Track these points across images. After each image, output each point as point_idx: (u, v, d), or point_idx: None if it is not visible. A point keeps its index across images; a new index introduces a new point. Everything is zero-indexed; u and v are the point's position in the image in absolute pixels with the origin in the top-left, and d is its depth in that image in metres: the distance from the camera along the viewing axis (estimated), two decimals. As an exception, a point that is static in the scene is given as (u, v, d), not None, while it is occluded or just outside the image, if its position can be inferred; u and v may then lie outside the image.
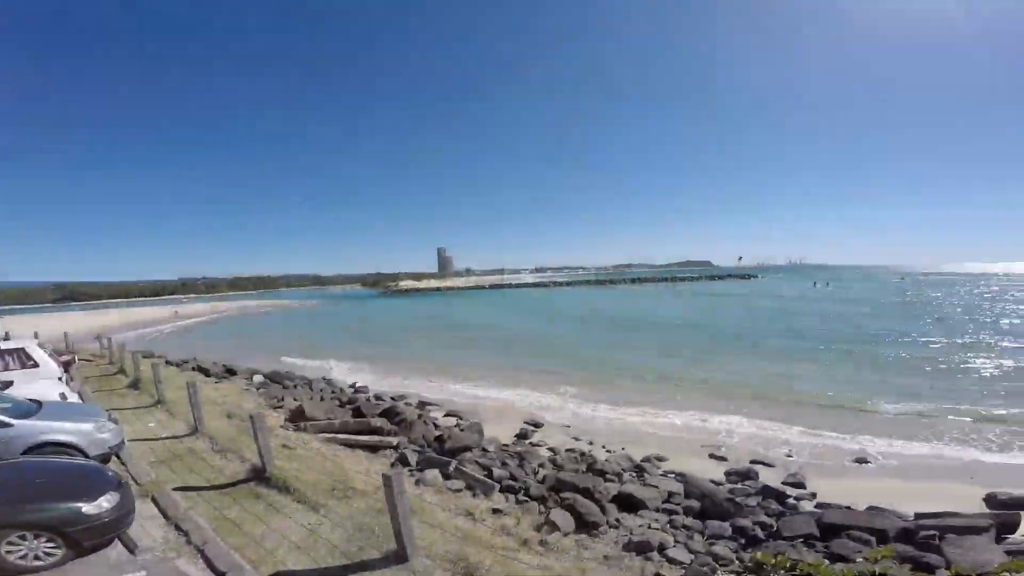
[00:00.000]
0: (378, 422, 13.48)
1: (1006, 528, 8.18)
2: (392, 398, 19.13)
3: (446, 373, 24.13)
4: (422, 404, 18.31)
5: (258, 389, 18.79)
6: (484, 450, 12.56)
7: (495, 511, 7.95)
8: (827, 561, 6.85)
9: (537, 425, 15.69)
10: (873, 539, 7.94)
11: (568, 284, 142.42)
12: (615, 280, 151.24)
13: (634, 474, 11.17)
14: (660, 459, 12.47)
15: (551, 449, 13.24)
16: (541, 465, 11.46)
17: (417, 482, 9.31)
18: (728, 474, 11.46)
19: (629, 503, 9.06)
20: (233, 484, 7.91)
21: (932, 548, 7.48)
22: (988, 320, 38.23)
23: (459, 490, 9.24)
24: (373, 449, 11.78)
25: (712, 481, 10.59)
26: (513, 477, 10.34)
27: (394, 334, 44.38)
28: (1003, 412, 15.42)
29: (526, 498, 9.07)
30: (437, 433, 13.72)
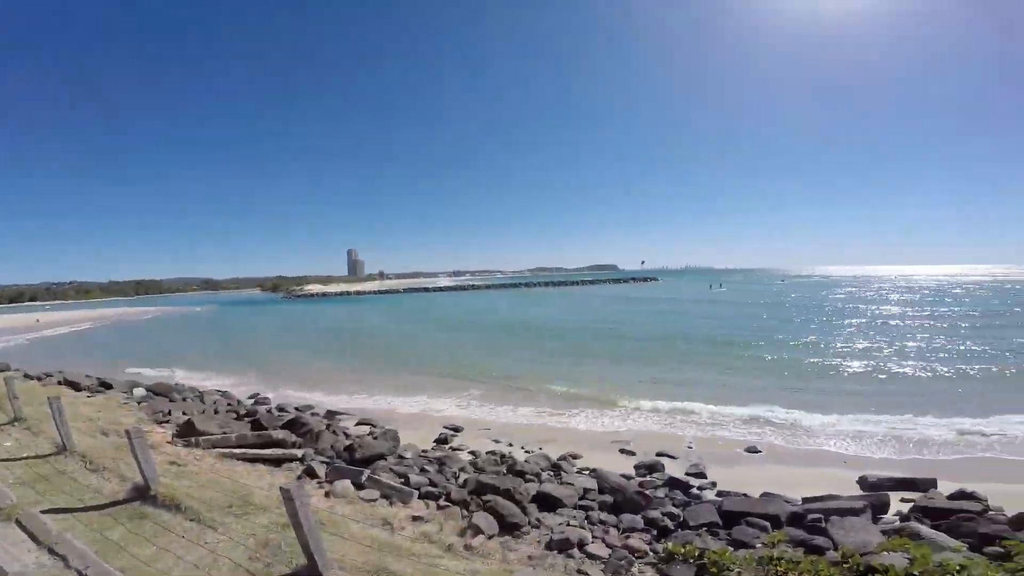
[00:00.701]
0: (280, 434, 12.60)
1: (879, 509, 9.12)
2: (297, 409, 18.00)
3: (357, 381, 23.20)
4: (331, 414, 17.42)
5: (139, 403, 16.87)
6: (400, 457, 12.15)
7: (415, 518, 7.67)
8: (731, 548, 7.29)
9: (457, 429, 15.49)
10: (768, 524, 8.48)
11: (487, 287, 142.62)
12: (531, 284, 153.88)
13: (552, 473, 11.33)
14: (575, 457, 12.76)
15: (472, 452, 13.11)
16: (462, 469, 11.27)
17: (327, 494, 8.78)
18: (637, 467, 11.94)
19: (548, 502, 9.14)
20: (113, 504, 6.97)
21: (820, 531, 8.12)
22: (842, 317, 43.29)
23: (374, 500, 8.82)
24: (276, 463, 10.94)
25: (623, 475, 10.96)
26: (433, 483, 10.06)
27: (294, 341, 41.90)
28: (860, 390, 17.55)
29: (448, 503, 8.84)
30: (347, 443, 13.08)
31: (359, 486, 9.52)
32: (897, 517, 8.96)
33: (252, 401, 19.72)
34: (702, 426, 15.39)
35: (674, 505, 9.39)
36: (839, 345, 29.97)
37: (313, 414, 17.27)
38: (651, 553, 7.00)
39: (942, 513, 8.78)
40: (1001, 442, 13.14)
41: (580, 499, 9.52)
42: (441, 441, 14.35)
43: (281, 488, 5.14)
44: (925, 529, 7.99)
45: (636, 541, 7.42)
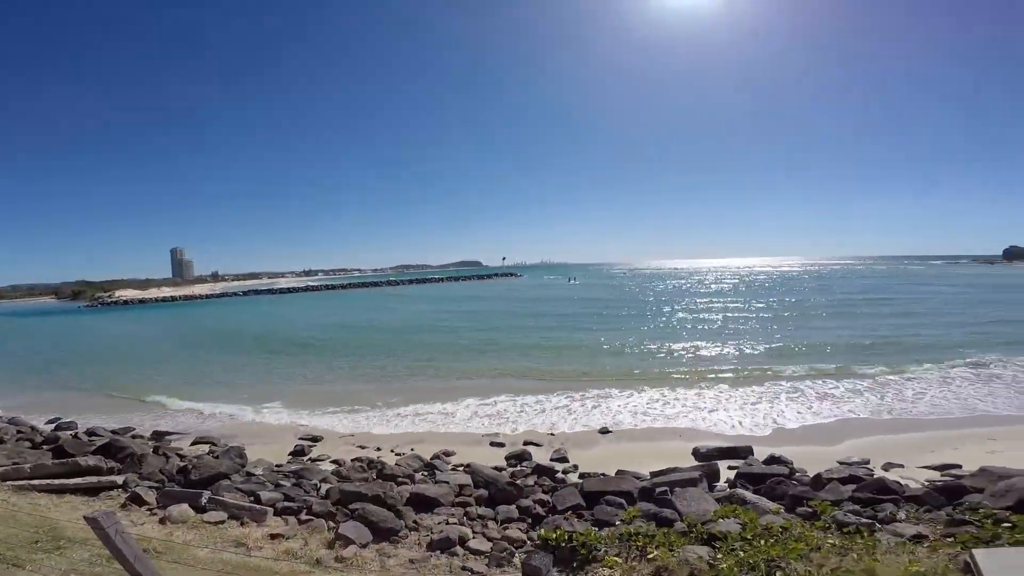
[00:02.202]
0: (92, 460, 10.68)
1: (712, 477, 10.38)
2: (114, 431, 15.35)
3: (188, 395, 20.50)
4: (158, 435, 15.24)
5: None
6: (249, 474, 10.99)
7: (274, 536, 6.98)
8: (595, 528, 7.79)
9: (316, 439, 14.44)
10: (624, 501, 9.17)
11: (343, 287, 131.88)
12: (394, 282, 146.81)
13: (426, 473, 11.17)
14: (448, 454, 12.73)
15: (336, 462, 12.32)
16: (324, 480, 10.53)
17: (163, 520, 7.62)
18: (508, 458, 12.29)
19: (425, 503, 8.96)
20: None
21: (667, 503, 8.99)
22: (683, 304, 49.41)
23: (221, 522, 7.86)
24: (92, 492, 9.22)
25: (495, 467, 11.20)
26: (290, 497, 9.25)
27: (105, 354, 35.69)
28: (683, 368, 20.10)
29: (311, 517, 8.19)
30: (181, 464, 11.55)
31: (200, 509, 8.42)
32: (727, 484, 10.32)
33: (52, 427, 16.43)
34: (560, 410, 16.51)
35: (544, 492, 9.79)
36: (663, 330, 34.12)
37: (135, 436, 14.93)
38: (528, 541, 7.20)
39: (760, 478, 10.16)
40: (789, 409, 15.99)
41: (457, 496, 9.49)
42: (298, 453, 13.28)
43: (86, 517, 4.29)
44: (749, 494, 9.24)
45: (514, 531, 7.60)
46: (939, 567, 4.15)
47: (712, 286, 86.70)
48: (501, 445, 13.50)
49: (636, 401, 17.39)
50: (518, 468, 11.52)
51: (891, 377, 19.68)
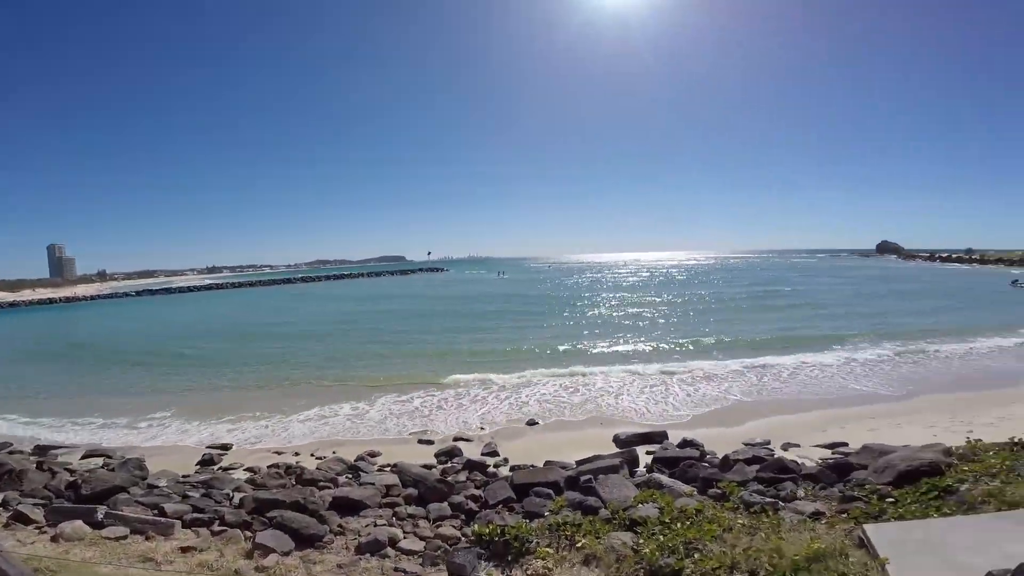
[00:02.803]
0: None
1: (632, 463, 10.87)
2: (-15, 446, 13.65)
3: (89, 406, 18.45)
4: (41, 448, 13.87)
5: None
6: (151, 487, 10.18)
7: (185, 549, 6.54)
8: (526, 521, 7.93)
9: (225, 447, 13.61)
10: (552, 491, 9.38)
11: (252, 285, 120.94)
12: (309, 278, 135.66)
13: (350, 476, 10.82)
14: (373, 455, 12.43)
15: (250, 470, 11.63)
16: (237, 489, 9.93)
17: (55, 538, 6.92)
18: (438, 455, 12.22)
19: (350, 506, 8.69)
20: None
21: (592, 491, 9.24)
22: (601, 297, 51.28)
23: (123, 537, 7.24)
24: (-39, 513, 8.10)
25: (425, 465, 11.12)
26: (200, 509, 8.66)
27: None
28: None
29: (223, 527, 7.71)
30: (70, 479, 10.56)
31: (97, 525, 7.73)
32: (646, 469, 10.85)
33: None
34: (487, 405, 16.67)
35: (476, 487, 9.82)
36: (583, 322, 35.45)
37: (13, 452, 13.38)
38: (463, 538, 7.20)
39: (674, 461, 10.71)
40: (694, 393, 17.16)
41: (384, 497, 9.29)
42: (206, 463, 12.43)
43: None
44: (665, 478, 9.75)
45: (448, 529, 7.57)
46: (837, 543, 4.63)
47: (630, 279, 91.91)
48: (430, 443, 13.40)
49: (560, 392, 17.94)
50: (449, 465, 11.49)
51: (787, 360, 21.71)
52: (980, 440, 9.30)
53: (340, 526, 7.79)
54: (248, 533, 7.47)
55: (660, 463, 10.89)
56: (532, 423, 14.72)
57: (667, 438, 12.74)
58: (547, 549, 6.01)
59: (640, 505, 7.51)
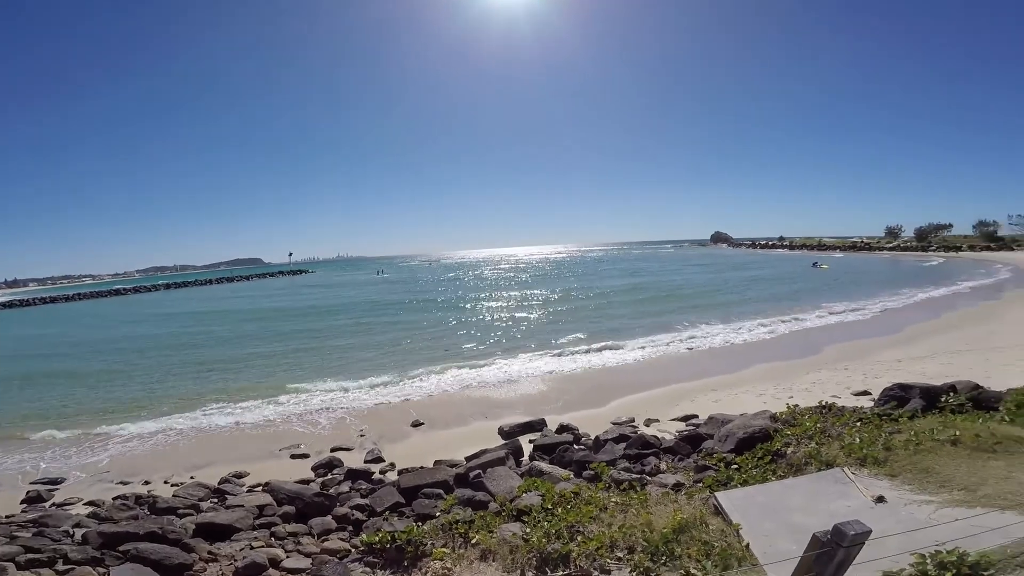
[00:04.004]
0: None
1: (517, 453, 11.27)
2: None
3: None
4: None
5: None
6: (-45, 537, 8.42)
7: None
8: (418, 523, 7.96)
9: (56, 481, 11.67)
10: (442, 491, 9.47)
11: (67, 299, 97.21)
12: (144, 287, 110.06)
13: (216, 500, 9.89)
14: (240, 476, 11.47)
15: (92, 503, 10.10)
16: (77, 525, 8.62)
17: None
18: (315, 468, 11.63)
19: (218, 531, 8.01)
20: None
21: (480, 486, 9.48)
22: (478, 293, 52.02)
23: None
24: None
25: (301, 480, 10.53)
26: (35, 549, 7.40)
27: None
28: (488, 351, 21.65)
29: (70, 566, 6.73)
30: None
31: None
32: (530, 458, 11.40)
33: None
34: (361, 409, 16.13)
35: (361, 496, 9.57)
36: (460, 318, 35.77)
37: None
38: (352, 549, 7.03)
39: (551, 448, 11.29)
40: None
41: (257, 518, 8.68)
42: (34, 500, 10.59)
43: None
44: (544, 465, 10.30)
45: (335, 542, 7.33)
46: (697, 512, 5.33)
47: (509, 274, 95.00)
48: (304, 456, 12.64)
49: (442, 388, 17.97)
50: (329, 477, 11.02)
51: (642, 343, 24.01)
52: (797, 405, 10.55)
53: (211, 552, 7.19)
54: (101, 569, 6.60)
55: (540, 450, 11.43)
56: (417, 424, 14.53)
57: (546, 425, 13.40)
58: (443, 549, 6.10)
59: (524, 495, 7.85)
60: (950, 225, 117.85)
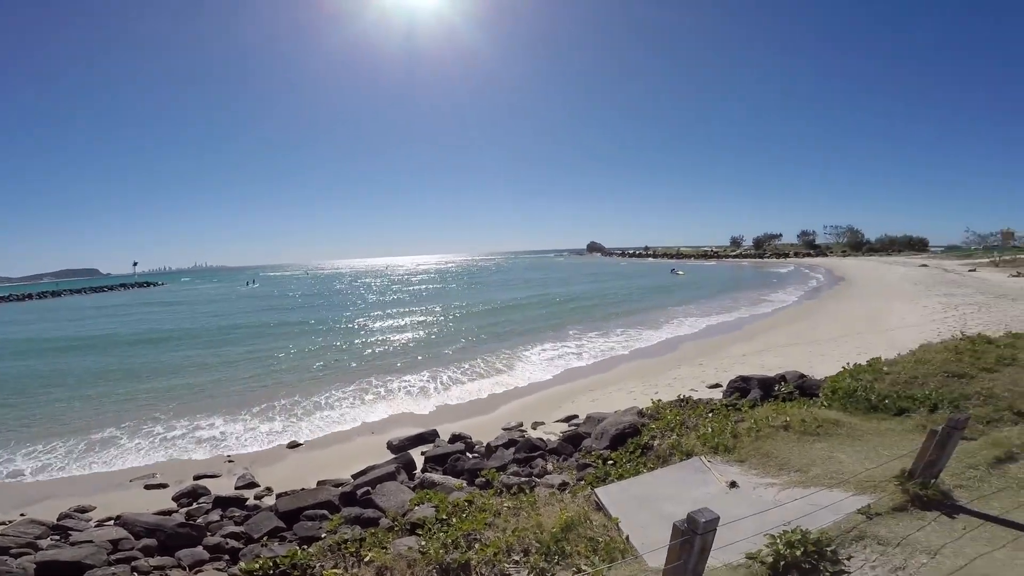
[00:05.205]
0: None
1: (409, 467, 11.07)
2: None
3: None
4: None
5: None
6: None
7: None
8: (303, 546, 7.60)
9: None
10: (326, 512, 9.12)
11: None
12: None
13: (57, 537, 8.57)
14: (84, 510, 10.09)
15: None
16: None
17: None
18: (177, 498, 10.54)
19: (65, 570, 7.01)
20: None
21: (369, 503, 9.22)
22: (362, 304, 50.10)
23: None
24: None
25: (161, 512, 9.52)
26: None
27: None
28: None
29: None
30: None
31: None
32: (422, 470, 11.30)
33: None
34: (231, 434, 14.76)
35: (236, 524, 8.89)
36: (337, 332, 34.32)
37: None
38: (231, 580, 6.53)
39: (443, 458, 11.33)
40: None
41: (112, 553, 7.71)
42: None
43: None
44: (437, 476, 10.31)
45: (210, 572, 6.75)
46: (581, 510, 5.74)
47: (396, 285, 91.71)
48: (163, 486, 11.39)
49: (321, 406, 16.97)
50: (195, 506, 10.05)
51: (523, 348, 25.00)
52: (661, 400, 11.36)
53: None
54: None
55: (432, 461, 11.41)
56: (294, 445, 13.63)
57: (438, 435, 13.33)
58: (334, 571, 5.94)
59: (417, 507, 7.86)
60: (780, 235, 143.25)
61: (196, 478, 11.66)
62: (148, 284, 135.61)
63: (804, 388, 11.92)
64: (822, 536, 4.32)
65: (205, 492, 10.79)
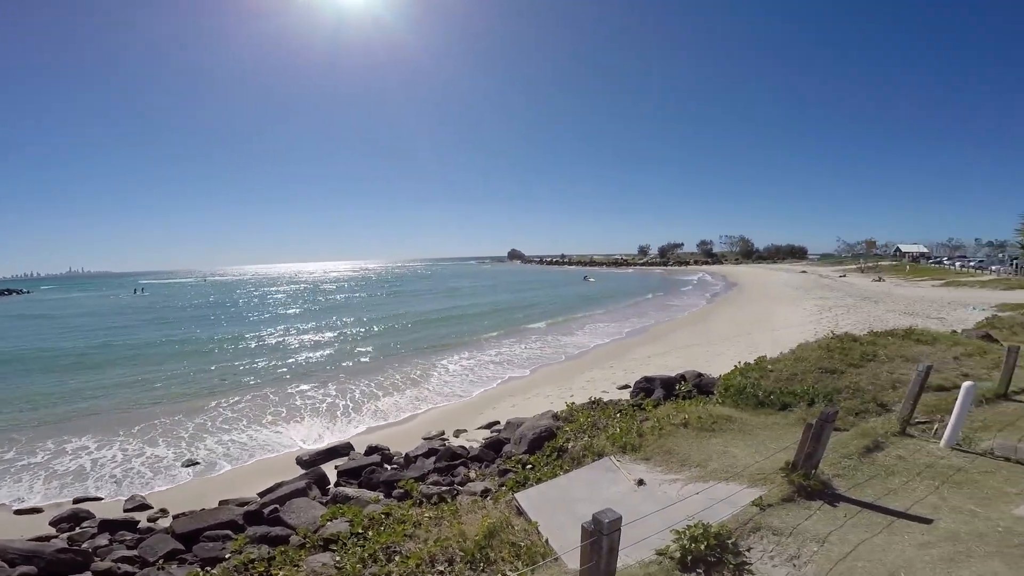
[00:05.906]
0: None
1: (321, 482, 10.54)
2: None
3: None
4: None
5: None
6: None
7: None
8: (205, 568, 7.12)
9: None
10: (230, 531, 8.57)
11: None
12: None
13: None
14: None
15: None
16: None
17: None
18: (56, 523, 9.48)
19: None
20: None
21: (277, 521, 8.71)
22: (266, 313, 47.20)
23: None
24: None
25: (38, 537, 8.54)
26: None
27: None
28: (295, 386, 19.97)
29: None
30: None
31: None
32: (335, 485, 10.87)
33: None
34: (119, 453, 13.42)
35: (128, 547, 8.15)
36: (234, 343, 32.33)
37: None
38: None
39: (358, 471, 10.89)
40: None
41: (-24, 592, 6.78)
42: None
43: None
44: (351, 490, 9.91)
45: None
46: (503, 515, 5.85)
47: (306, 294, 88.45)
48: (37, 511, 10.20)
49: (218, 420, 15.92)
50: (78, 531, 9.06)
51: (439, 358, 24.86)
52: (575, 402, 11.74)
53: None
54: None
55: (346, 475, 10.99)
56: (192, 463, 12.60)
57: (353, 448, 12.82)
58: (242, 593, 5.65)
59: (329, 523, 7.62)
60: (683, 243, 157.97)
61: (76, 501, 10.52)
62: (9, 292, 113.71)
63: (701, 386, 12.87)
64: (722, 529, 4.69)
65: (89, 516, 9.74)
